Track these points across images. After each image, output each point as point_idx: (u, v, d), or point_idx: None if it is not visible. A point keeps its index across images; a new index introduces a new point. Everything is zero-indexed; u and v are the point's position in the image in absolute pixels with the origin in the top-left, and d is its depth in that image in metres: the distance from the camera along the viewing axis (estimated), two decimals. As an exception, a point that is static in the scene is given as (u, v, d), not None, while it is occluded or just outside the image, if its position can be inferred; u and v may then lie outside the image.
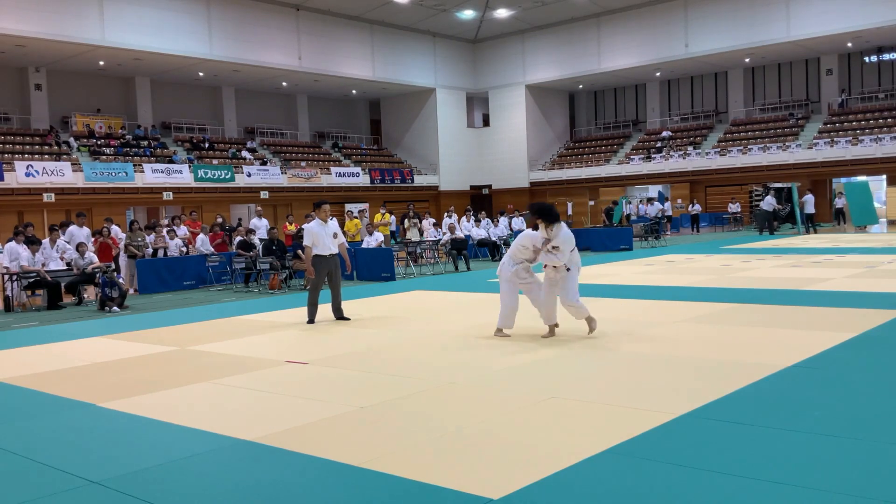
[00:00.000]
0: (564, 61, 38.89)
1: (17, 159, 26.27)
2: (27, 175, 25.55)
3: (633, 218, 31.02)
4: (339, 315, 10.34)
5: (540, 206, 7.93)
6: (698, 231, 32.12)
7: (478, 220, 21.88)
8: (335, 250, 10.28)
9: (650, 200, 34.13)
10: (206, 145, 33.92)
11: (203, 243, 17.37)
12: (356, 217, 21.99)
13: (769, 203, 26.46)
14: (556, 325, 8.19)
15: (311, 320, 10.10)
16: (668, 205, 33.83)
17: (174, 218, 19.33)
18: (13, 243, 14.06)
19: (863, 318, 8.31)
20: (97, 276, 13.74)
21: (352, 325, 9.87)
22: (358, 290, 14.31)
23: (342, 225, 20.22)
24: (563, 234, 7.75)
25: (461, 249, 18.29)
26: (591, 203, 38.18)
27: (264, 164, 33.91)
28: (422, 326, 9.46)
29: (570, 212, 36.62)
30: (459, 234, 19.05)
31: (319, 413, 5.50)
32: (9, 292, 13.76)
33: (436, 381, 6.34)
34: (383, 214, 23.31)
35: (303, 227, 14.44)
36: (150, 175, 28.70)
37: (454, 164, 40.61)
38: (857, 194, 26.79)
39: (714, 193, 36.55)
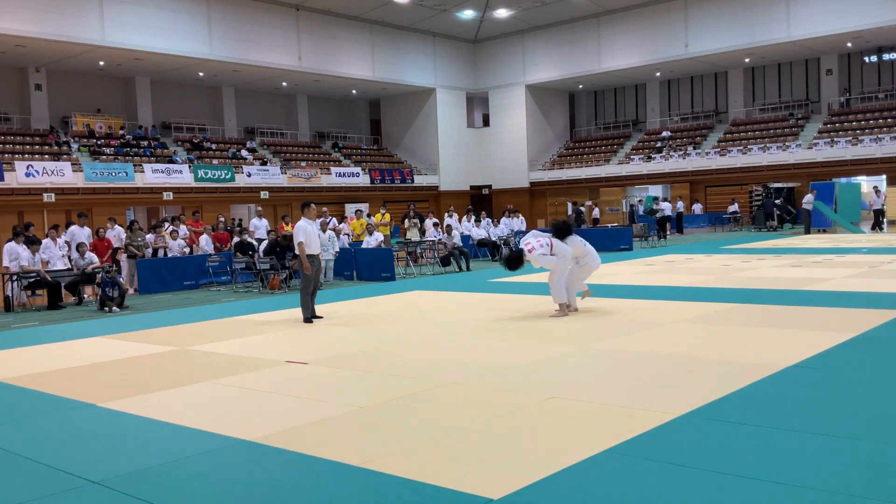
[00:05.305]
0: (564, 61, 38.89)
1: (17, 159, 26.28)
2: (27, 175, 25.55)
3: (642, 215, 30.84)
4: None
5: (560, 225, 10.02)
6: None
7: (478, 220, 21.87)
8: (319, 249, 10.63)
9: (664, 199, 33.88)
10: (206, 145, 33.92)
11: (207, 243, 17.37)
12: (358, 217, 21.88)
13: (808, 201, 25.86)
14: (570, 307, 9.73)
15: (308, 319, 10.16)
16: (667, 205, 33.67)
17: (174, 218, 19.33)
18: (13, 243, 14.06)
19: (863, 318, 8.30)
20: (98, 275, 13.74)
21: (352, 324, 9.87)
22: (358, 290, 14.32)
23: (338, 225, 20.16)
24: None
25: (461, 250, 18.27)
26: (589, 203, 38.12)
27: (264, 164, 33.91)
28: (421, 326, 9.46)
29: (569, 211, 36.56)
30: (457, 239, 18.81)
31: (319, 413, 5.50)
32: (9, 292, 13.76)
33: (436, 381, 6.34)
34: (383, 214, 23.30)
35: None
36: (150, 175, 28.71)
37: (454, 164, 40.61)
38: (849, 194, 27.16)
39: (714, 193, 36.55)
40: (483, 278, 15.52)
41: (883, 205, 25.74)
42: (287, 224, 20.42)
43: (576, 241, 9.77)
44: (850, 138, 32.63)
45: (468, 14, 36.27)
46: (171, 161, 30.69)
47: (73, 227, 16.26)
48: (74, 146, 29.52)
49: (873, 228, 25.52)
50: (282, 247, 15.58)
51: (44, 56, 28.27)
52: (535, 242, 9.44)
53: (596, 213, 29.49)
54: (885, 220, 25.66)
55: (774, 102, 38.54)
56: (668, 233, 27.47)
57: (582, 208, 28.18)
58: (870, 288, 10.89)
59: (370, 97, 41.96)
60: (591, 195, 38.34)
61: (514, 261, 9.53)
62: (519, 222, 23.16)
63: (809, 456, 4.15)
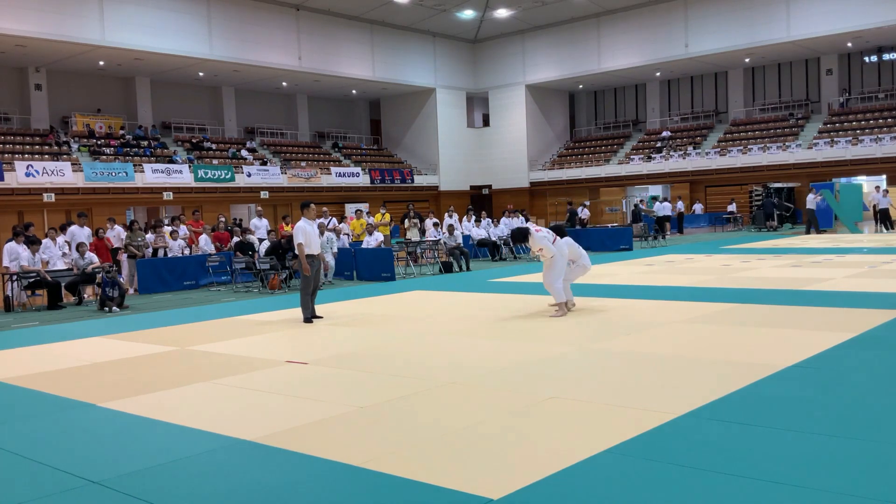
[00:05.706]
0: (564, 61, 38.89)
1: (17, 159, 26.27)
2: (27, 175, 25.55)
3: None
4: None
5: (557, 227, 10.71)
6: None
7: (478, 221, 21.86)
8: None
9: (663, 199, 33.80)
10: (206, 145, 33.92)
11: (206, 243, 17.36)
12: (358, 217, 21.89)
13: (812, 200, 25.81)
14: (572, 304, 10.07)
15: (307, 319, 10.16)
16: (667, 205, 33.61)
17: (174, 219, 19.32)
18: (13, 243, 14.06)
19: (863, 318, 8.30)
20: (98, 275, 13.74)
21: (352, 325, 9.87)
22: (358, 290, 14.32)
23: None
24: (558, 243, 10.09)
25: (461, 250, 18.28)
26: (586, 203, 38.13)
27: (264, 164, 33.91)
28: (422, 326, 9.46)
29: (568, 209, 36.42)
30: (459, 240, 18.83)
31: (319, 413, 5.50)
32: (9, 292, 13.76)
33: (436, 381, 6.34)
34: (383, 214, 23.29)
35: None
36: (150, 175, 28.71)
37: (454, 164, 40.61)
38: (851, 195, 27.16)
39: (714, 193, 36.56)
40: (483, 278, 15.52)
41: (890, 204, 25.65)
42: (287, 224, 20.43)
43: (570, 243, 10.14)
44: (850, 138, 32.63)
45: (468, 14, 36.27)
46: (171, 161, 30.68)
47: (73, 227, 16.27)
48: (74, 146, 29.52)
49: (882, 227, 25.40)
50: (284, 248, 15.59)
51: (44, 56, 28.27)
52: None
53: (586, 214, 28.73)
54: (889, 221, 25.55)
55: (774, 102, 38.54)
56: (667, 233, 27.42)
57: (579, 209, 28.00)
58: (870, 288, 10.89)
59: (370, 97, 41.96)
60: (591, 195, 38.34)
61: (522, 235, 10.10)
62: (519, 223, 23.12)
63: (809, 456, 4.15)
